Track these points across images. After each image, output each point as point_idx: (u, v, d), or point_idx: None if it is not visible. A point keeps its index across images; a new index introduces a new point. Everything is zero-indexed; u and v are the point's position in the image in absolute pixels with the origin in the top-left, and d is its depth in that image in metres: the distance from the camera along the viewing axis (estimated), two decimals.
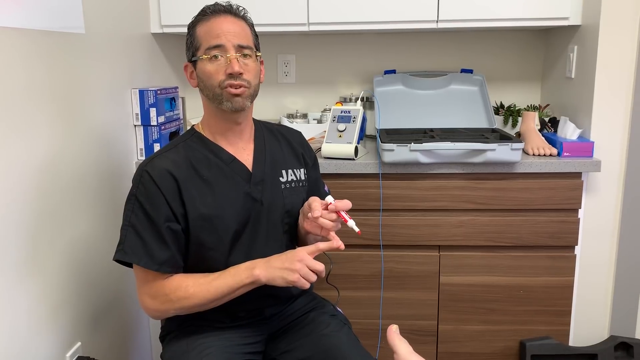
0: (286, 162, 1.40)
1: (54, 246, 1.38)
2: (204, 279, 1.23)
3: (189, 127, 2.16)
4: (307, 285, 1.16)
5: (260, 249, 1.31)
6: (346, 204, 1.24)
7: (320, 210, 1.22)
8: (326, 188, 1.56)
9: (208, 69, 1.25)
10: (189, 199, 1.23)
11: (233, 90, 1.24)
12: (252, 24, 1.33)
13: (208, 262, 1.27)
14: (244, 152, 1.34)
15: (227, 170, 1.29)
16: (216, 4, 1.30)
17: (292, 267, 1.16)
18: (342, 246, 1.22)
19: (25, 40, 1.26)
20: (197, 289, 1.21)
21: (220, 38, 1.24)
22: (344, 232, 1.70)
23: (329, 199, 1.25)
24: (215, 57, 1.24)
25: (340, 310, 1.48)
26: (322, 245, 1.20)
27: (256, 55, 1.29)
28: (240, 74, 1.24)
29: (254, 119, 1.41)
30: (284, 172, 1.38)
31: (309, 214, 1.24)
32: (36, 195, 1.31)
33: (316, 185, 1.48)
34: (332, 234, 1.24)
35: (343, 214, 1.24)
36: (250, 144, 1.36)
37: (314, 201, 1.25)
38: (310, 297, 1.46)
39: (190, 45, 1.29)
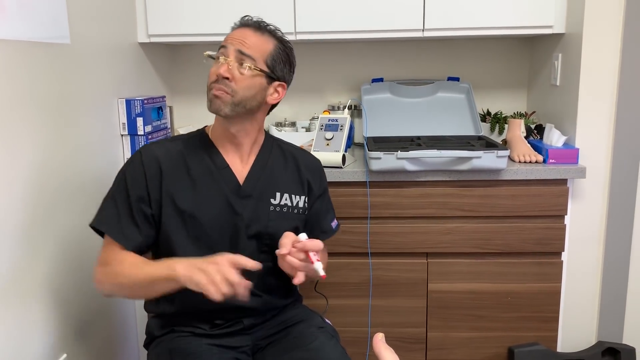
0: (285, 185, 1.36)
1: (38, 257, 1.37)
2: (142, 262, 1.22)
3: None
4: (215, 295, 1.03)
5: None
6: (316, 244, 1.17)
7: (287, 248, 1.16)
8: (333, 223, 1.49)
9: (210, 69, 1.27)
10: (168, 190, 1.25)
11: (214, 92, 1.24)
12: (283, 45, 1.30)
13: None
14: (241, 164, 1.33)
15: (217, 176, 1.29)
16: (248, 18, 1.31)
17: (205, 269, 1.06)
18: (299, 282, 1.18)
19: (9, 51, 1.26)
20: (131, 268, 1.20)
21: (227, 42, 1.26)
22: (333, 240, 1.70)
23: (302, 236, 1.18)
24: (218, 58, 1.26)
25: (328, 321, 1.47)
26: (249, 264, 1.10)
27: (262, 72, 1.25)
28: (226, 78, 1.23)
29: (269, 135, 1.41)
30: (278, 194, 1.34)
31: (276, 251, 1.18)
32: (21, 205, 1.30)
33: (317, 216, 1.43)
34: (298, 273, 1.17)
35: (311, 254, 1.17)
36: (251, 157, 1.34)
37: (285, 237, 1.19)
38: (298, 309, 1.44)
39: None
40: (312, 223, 1.42)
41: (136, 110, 1.84)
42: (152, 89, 2.17)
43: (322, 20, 1.96)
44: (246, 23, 1.29)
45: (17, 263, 1.28)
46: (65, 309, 1.49)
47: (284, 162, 1.38)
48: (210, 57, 1.29)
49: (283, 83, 1.31)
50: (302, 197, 1.38)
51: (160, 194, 1.25)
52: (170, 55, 2.37)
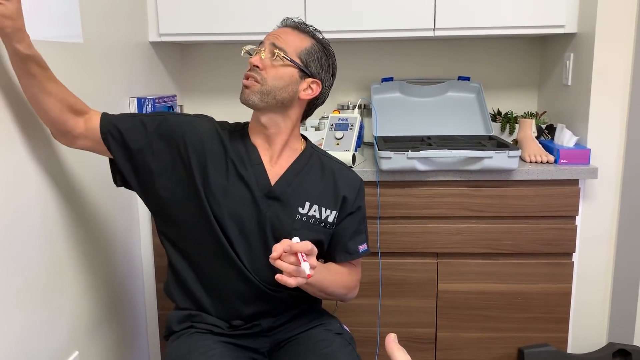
0: (317, 197, 1.32)
1: (50, 256, 1.38)
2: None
3: None
4: None
5: (243, 252, 1.29)
6: (304, 245, 1.11)
7: (278, 251, 1.10)
8: (362, 247, 1.40)
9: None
10: (202, 164, 1.27)
11: (244, 81, 1.27)
12: (321, 45, 1.31)
13: (182, 230, 1.31)
14: (269, 162, 1.31)
15: (249, 169, 1.29)
16: (288, 19, 1.33)
17: None
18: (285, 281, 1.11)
19: None
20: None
21: (265, 38, 1.29)
22: None
23: (295, 240, 1.13)
24: (253, 51, 1.29)
25: (347, 328, 1.46)
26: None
27: (293, 63, 1.25)
28: (257, 66, 1.25)
29: (310, 144, 1.39)
30: (307, 204, 1.31)
31: (270, 256, 1.12)
32: (33, 204, 1.31)
33: (343, 234, 1.36)
34: (279, 276, 1.10)
35: (299, 255, 1.10)
36: (284, 161, 1.32)
37: (280, 243, 1.12)
38: (316, 314, 1.42)
39: None
40: (336, 239, 1.36)
41: (147, 109, 1.85)
42: (163, 88, 2.18)
43: (332, 19, 1.96)
44: (286, 23, 1.32)
45: (29, 261, 1.29)
46: (77, 306, 1.50)
47: (321, 174, 1.34)
48: (248, 52, 1.30)
49: (317, 80, 1.29)
50: (334, 212, 1.33)
51: (193, 164, 1.27)
52: (181, 55, 2.38)
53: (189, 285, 1.32)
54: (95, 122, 1.28)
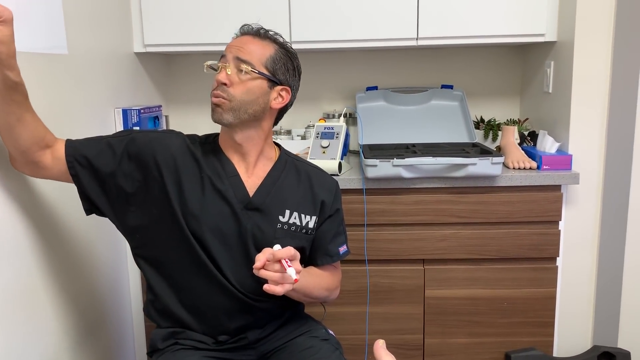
0: (296, 203, 1.32)
1: (36, 268, 1.37)
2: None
3: None
4: None
5: (227, 266, 1.28)
6: (286, 251, 1.11)
7: (261, 261, 1.09)
8: (342, 249, 1.42)
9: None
10: (178, 181, 1.25)
11: (213, 99, 1.24)
12: (285, 50, 1.29)
13: (158, 248, 1.29)
14: (246, 173, 1.30)
15: (226, 182, 1.27)
16: (247, 26, 1.30)
17: None
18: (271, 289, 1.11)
19: None
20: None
21: (226, 50, 1.25)
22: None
23: (276, 247, 1.13)
24: (218, 67, 1.25)
25: (332, 333, 1.46)
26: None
27: (261, 74, 1.24)
28: (224, 84, 1.22)
29: (284, 151, 1.39)
30: (287, 212, 1.31)
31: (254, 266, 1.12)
32: (16, 214, 1.30)
33: (324, 237, 1.37)
34: (266, 286, 1.10)
35: (283, 261, 1.11)
36: (260, 170, 1.31)
37: (261, 253, 1.12)
38: (302, 321, 1.42)
39: None
40: (317, 243, 1.37)
41: (133, 120, 1.85)
42: (148, 99, 2.18)
43: (317, 29, 1.98)
44: (246, 31, 1.29)
45: (14, 275, 1.28)
46: (61, 322, 1.49)
47: (297, 180, 1.35)
48: (211, 67, 1.28)
49: (287, 87, 1.29)
50: (314, 217, 1.34)
51: (167, 182, 1.24)
52: (166, 65, 2.38)
53: (170, 306, 1.30)
54: (61, 152, 1.23)
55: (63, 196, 1.50)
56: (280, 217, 1.30)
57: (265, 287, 1.10)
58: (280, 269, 1.10)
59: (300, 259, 1.18)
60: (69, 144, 1.25)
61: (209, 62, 1.29)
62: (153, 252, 1.29)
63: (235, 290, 1.27)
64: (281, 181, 1.32)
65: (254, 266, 1.11)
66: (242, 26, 1.30)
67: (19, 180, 1.30)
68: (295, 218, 1.32)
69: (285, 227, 1.31)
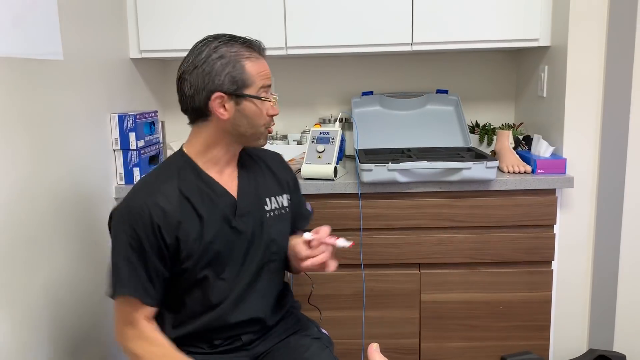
0: (269, 189, 1.36)
1: (28, 277, 1.37)
2: (164, 350, 1.21)
3: (169, 151, 2.17)
4: None
5: (245, 279, 1.29)
6: (324, 231, 1.23)
7: (305, 251, 1.23)
8: (308, 206, 1.53)
9: (257, 107, 1.23)
10: (185, 235, 1.20)
11: (270, 130, 1.29)
12: None
13: (194, 295, 1.26)
14: (230, 180, 1.30)
15: (217, 202, 1.26)
16: (258, 43, 1.26)
17: None
18: (332, 268, 1.24)
19: (3, 67, 1.27)
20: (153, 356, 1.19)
21: (269, 80, 1.26)
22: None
23: (307, 235, 1.24)
24: (268, 99, 1.25)
25: (325, 331, 1.47)
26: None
27: None
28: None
29: None
30: (267, 200, 1.34)
31: (300, 261, 1.25)
32: (12, 222, 1.30)
33: (298, 208, 1.46)
34: (327, 263, 1.23)
35: (327, 240, 1.22)
36: (235, 170, 1.33)
37: (296, 245, 1.27)
38: (294, 320, 1.43)
39: (236, 78, 1.20)
40: (295, 214, 1.43)
41: (129, 126, 1.85)
42: (144, 104, 2.18)
43: (312, 35, 1.99)
44: (264, 51, 1.27)
45: (5, 283, 1.28)
46: (56, 328, 1.49)
47: (259, 168, 1.38)
48: (266, 98, 1.26)
49: None
50: (285, 196, 1.39)
51: (178, 242, 1.20)
52: (162, 71, 2.39)
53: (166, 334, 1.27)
54: (152, 311, 1.23)
55: (57, 211, 1.50)
56: (265, 207, 1.34)
57: (330, 269, 1.23)
58: (327, 248, 1.23)
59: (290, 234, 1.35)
60: (144, 299, 1.20)
61: (276, 96, 1.29)
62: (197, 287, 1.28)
63: (240, 315, 1.30)
64: (251, 174, 1.35)
65: (310, 262, 1.23)
66: (258, 44, 1.27)
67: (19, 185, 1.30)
68: (274, 202, 1.36)
69: (272, 214, 1.35)
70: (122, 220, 1.19)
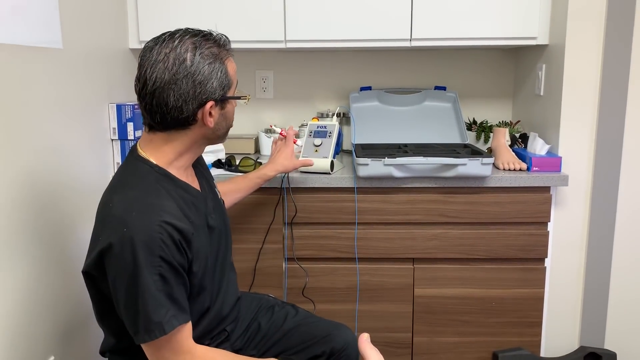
0: (210, 175, 1.38)
1: (26, 260, 1.38)
2: (230, 356, 1.16)
3: None
4: None
5: (224, 270, 1.31)
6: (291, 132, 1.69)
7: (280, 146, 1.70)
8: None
9: (233, 107, 1.20)
10: (195, 248, 1.14)
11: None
12: None
13: (195, 305, 1.21)
14: (192, 178, 1.25)
15: (198, 205, 1.21)
16: (227, 38, 1.18)
17: None
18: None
19: (2, 54, 1.27)
20: None
21: (234, 74, 1.20)
22: (321, 245, 1.73)
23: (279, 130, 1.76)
24: (245, 96, 1.22)
25: (273, 296, 1.60)
26: None
27: None
28: None
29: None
30: (215, 187, 1.36)
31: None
32: (11, 208, 1.31)
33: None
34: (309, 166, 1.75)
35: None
36: (190, 170, 1.27)
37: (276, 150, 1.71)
38: (249, 298, 1.51)
39: (223, 82, 1.14)
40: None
41: (127, 115, 1.86)
42: None
43: (311, 29, 2.00)
44: (230, 51, 1.20)
45: (3, 265, 1.29)
46: (53, 311, 1.50)
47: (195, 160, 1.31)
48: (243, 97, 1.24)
49: None
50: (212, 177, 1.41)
51: (192, 256, 1.14)
52: None
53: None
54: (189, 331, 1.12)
55: (55, 199, 1.51)
56: (218, 195, 1.37)
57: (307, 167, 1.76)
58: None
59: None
60: (184, 325, 1.10)
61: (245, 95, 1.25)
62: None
63: (226, 307, 1.33)
64: (197, 168, 1.30)
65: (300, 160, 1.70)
66: (228, 41, 1.19)
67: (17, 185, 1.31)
68: (216, 187, 1.38)
69: (221, 199, 1.37)
70: (141, 253, 1.03)
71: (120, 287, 1.05)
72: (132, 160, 1.17)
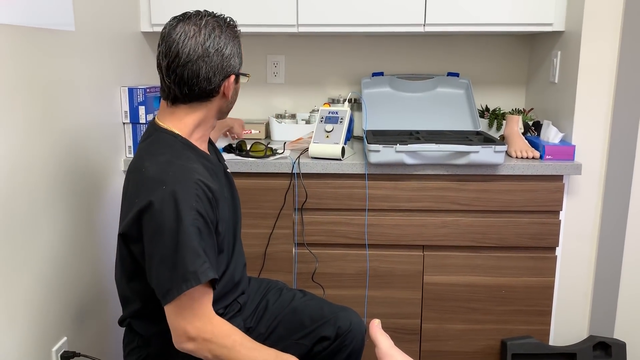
0: (220, 154, 1.46)
1: (39, 241, 1.39)
2: (250, 342, 1.16)
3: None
4: None
5: (236, 235, 1.40)
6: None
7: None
8: None
9: (239, 86, 1.32)
10: (222, 209, 1.23)
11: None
12: None
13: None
14: (206, 147, 1.34)
15: (218, 173, 1.31)
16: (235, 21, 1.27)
17: None
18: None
19: (14, 36, 1.27)
20: (242, 349, 1.13)
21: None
22: (331, 231, 1.72)
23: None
24: (248, 74, 1.33)
25: (282, 282, 1.61)
26: None
27: None
28: None
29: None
30: (224, 162, 1.44)
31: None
32: (25, 189, 1.32)
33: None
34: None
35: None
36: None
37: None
38: (258, 281, 1.56)
39: (241, 58, 1.26)
40: None
41: (139, 99, 1.86)
42: (154, 78, 2.17)
43: (324, 13, 1.98)
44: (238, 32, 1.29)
45: (18, 244, 1.31)
46: (66, 294, 1.52)
47: None
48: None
49: None
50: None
51: (219, 216, 1.21)
52: None
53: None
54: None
55: (67, 182, 1.52)
56: (225, 163, 1.46)
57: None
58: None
59: None
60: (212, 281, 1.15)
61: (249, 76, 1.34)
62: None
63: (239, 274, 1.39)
64: (210, 147, 1.40)
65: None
66: (235, 25, 1.27)
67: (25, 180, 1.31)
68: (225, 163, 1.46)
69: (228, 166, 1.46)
70: (182, 205, 1.09)
71: (157, 242, 1.09)
72: (154, 132, 1.24)
